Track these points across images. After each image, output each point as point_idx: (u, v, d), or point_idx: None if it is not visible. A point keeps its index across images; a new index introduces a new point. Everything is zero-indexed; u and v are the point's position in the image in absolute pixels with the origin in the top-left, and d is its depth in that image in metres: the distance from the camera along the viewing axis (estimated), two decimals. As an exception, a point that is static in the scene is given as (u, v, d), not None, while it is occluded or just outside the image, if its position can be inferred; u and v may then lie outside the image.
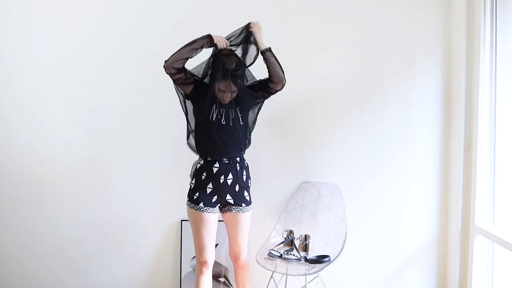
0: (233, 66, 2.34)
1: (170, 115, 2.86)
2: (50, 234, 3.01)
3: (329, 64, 2.98)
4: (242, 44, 2.37)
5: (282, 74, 2.39)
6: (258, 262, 2.65)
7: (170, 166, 2.98)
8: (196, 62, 2.43)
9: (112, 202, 3.01)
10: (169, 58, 2.26)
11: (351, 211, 2.97)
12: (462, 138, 2.85)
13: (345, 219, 2.87)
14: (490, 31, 2.69)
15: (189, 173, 2.52)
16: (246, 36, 2.36)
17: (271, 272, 2.67)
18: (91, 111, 2.96)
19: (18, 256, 3.03)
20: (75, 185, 2.99)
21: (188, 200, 2.45)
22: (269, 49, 2.36)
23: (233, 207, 2.47)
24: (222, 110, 2.38)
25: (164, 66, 2.27)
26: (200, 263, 2.45)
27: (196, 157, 2.52)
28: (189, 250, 2.92)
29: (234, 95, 2.40)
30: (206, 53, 2.38)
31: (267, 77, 2.42)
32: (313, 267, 2.63)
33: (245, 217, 2.49)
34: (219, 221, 2.52)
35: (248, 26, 2.37)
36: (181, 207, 2.58)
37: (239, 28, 2.40)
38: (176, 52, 2.26)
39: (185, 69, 2.33)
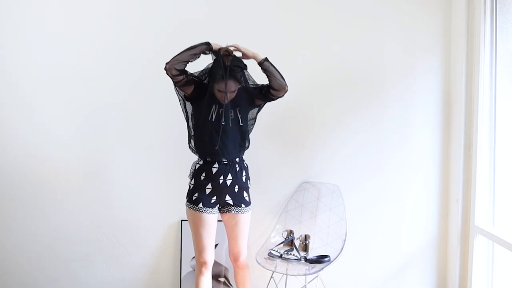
0: (232, 64, 2.31)
1: (170, 116, 2.86)
2: (50, 234, 3.01)
3: (329, 64, 2.97)
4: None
5: (283, 81, 2.38)
6: (258, 262, 2.65)
7: (170, 167, 2.97)
8: (198, 67, 2.42)
9: (112, 202, 3.00)
10: (170, 61, 2.26)
11: (351, 211, 2.97)
12: (462, 138, 2.85)
13: (345, 219, 2.87)
14: (490, 31, 2.68)
15: (188, 174, 2.52)
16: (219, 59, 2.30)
17: (271, 272, 2.67)
18: (91, 111, 2.96)
19: (18, 257, 3.02)
20: (75, 185, 2.99)
21: (187, 201, 2.44)
22: (266, 59, 2.34)
23: (233, 207, 2.46)
24: (222, 111, 2.37)
25: (165, 68, 2.27)
26: (199, 264, 2.45)
27: (196, 157, 2.52)
28: (189, 250, 2.92)
29: (233, 95, 2.39)
30: (206, 58, 2.38)
31: (268, 83, 2.40)
32: (313, 267, 2.63)
33: (244, 217, 2.49)
34: (218, 221, 2.52)
35: (218, 53, 2.31)
36: (181, 207, 2.58)
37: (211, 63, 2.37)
38: (177, 55, 2.26)
39: (186, 71, 2.33)
